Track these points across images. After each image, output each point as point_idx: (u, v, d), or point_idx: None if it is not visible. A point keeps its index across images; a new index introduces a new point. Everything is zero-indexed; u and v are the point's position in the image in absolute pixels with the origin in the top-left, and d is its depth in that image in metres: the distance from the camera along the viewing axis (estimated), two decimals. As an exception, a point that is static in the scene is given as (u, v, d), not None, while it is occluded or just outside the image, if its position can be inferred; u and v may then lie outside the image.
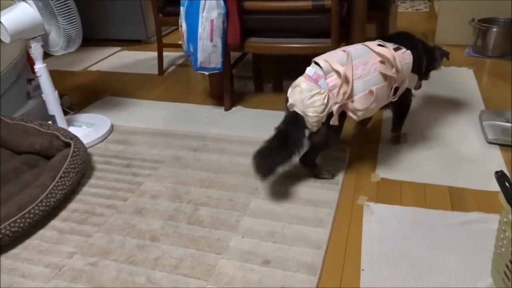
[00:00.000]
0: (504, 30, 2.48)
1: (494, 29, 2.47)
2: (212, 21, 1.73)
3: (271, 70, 2.62)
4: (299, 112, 1.34)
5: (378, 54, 1.37)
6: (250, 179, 1.49)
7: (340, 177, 1.48)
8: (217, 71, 1.86)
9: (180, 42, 1.95)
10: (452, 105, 1.95)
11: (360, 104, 1.33)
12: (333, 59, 1.35)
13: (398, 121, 1.66)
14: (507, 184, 0.83)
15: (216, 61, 1.82)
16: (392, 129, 1.68)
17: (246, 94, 2.23)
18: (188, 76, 2.54)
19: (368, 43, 1.43)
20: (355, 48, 1.41)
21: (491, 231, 1.17)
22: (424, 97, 2.03)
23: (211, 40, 1.76)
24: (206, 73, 1.86)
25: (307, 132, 1.39)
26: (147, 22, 3.15)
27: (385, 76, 1.37)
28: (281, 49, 1.87)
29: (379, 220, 1.28)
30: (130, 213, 1.36)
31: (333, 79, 1.33)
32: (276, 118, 1.92)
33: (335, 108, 1.32)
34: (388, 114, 1.74)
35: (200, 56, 1.79)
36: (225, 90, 2.01)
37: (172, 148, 1.73)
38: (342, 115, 1.38)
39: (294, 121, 1.35)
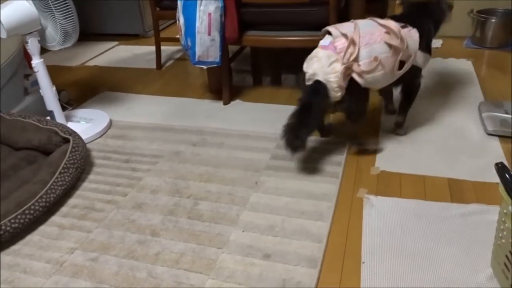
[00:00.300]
0: (502, 21, 2.47)
1: (493, 20, 2.46)
2: (209, 14, 1.72)
3: (269, 63, 2.61)
4: (321, 79, 1.38)
5: (383, 26, 1.44)
6: (249, 173, 1.49)
7: (339, 170, 1.48)
8: (215, 65, 1.86)
9: (177, 36, 1.93)
10: (451, 96, 1.95)
11: (365, 67, 1.39)
12: (342, 26, 1.44)
13: (405, 104, 1.65)
14: (507, 175, 0.83)
15: (214, 55, 1.81)
16: (398, 113, 1.68)
17: (245, 88, 2.23)
18: (186, 70, 2.53)
19: (374, 18, 1.50)
20: (362, 21, 1.48)
21: (490, 223, 1.19)
22: (424, 89, 2.01)
23: (209, 34, 1.75)
24: (204, 67, 1.85)
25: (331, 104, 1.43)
26: (144, 16, 3.13)
27: (390, 46, 1.42)
28: (279, 42, 1.86)
29: (379, 213, 1.28)
30: (130, 208, 1.36)
31: (341, 43, 1.39)
32: (275, 112, 1.92)
33: (342, 68, 1.36)
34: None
35: (198, 50, 1.78)
36: (223, 84, 2.00)
37: (170, 143, 1.72)
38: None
39: (317, 89, 1.39)
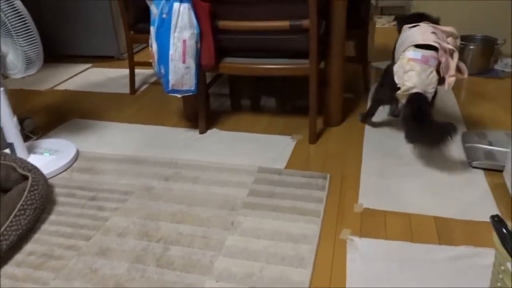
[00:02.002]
0: (480, 47, 2.47)
1: (471, 47, 2.46)
2: (184, 41, 1.64)
3: (248, 88, 2.54)
4: (420, 91, 1.51)
5: (445, 31, 1.63)
6: (225, 212, 1.39)
7: (320, 207, 1.40)
8: (191, 93, 1.76)
9: (151, 61, 1.84)
10: (433, 126, 1.90)
11: (458, 75, 1.60)
12: (439, 39, 1.57)
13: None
14: (504, 230, 0.75)
15: (189, 83, 1.72)
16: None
17: (223, 114, 2.14)
18: (161, 95, 2.43)
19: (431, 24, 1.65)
20: (436, 30, 1.62)
21: (480, 268, 1.13)
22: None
23: (184, 62, 1.66)
24: (179, 95, 1.76)
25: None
26: (119, 37, 3.03)
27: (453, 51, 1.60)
28: (258, 70, 1.79)
29: (364, 257, 1.19)
30: (93, 255, 1.24)
31: (441, 56, 1.54)
32: (253, 141, 1.84)
33: (451, 80, 1.56)
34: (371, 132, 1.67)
35: (172, 78, 1.69)
36: (199, 112, 1.91)
37: (142, 177, 1.61)
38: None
39: (421, 99, 1.52)
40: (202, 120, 1.92)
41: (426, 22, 1.67)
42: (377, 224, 1.33)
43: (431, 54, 1.54)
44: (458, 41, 1.66)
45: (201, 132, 1.94)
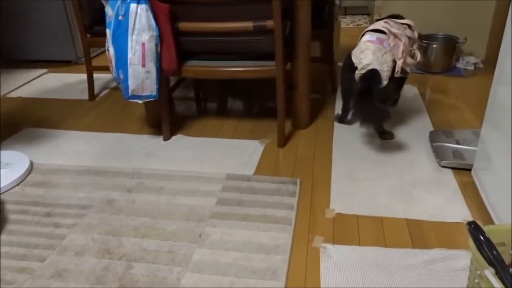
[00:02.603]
0: (443, 46, 2.50)
1: (434, 46, 2.48)
2: (143, 44, 1.55)
3: (215, 91, 2.47)
4: (377, 68, 1.60)
5: (403, 24, 1.79)
6: (192, 224, 1.32)
7: (292, 215, 1.35)
8: (153, 99, 1.68)
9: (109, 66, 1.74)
10: (401, 126, 1.89)
11: (408, 59, 1.71)
12: (389, 26, 1.72)
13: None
14: (481, 237, 0.72)
15: (150, 88, 1.63)
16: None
17: (188, 119, 2.06)
18: (122, 101, 2.31)
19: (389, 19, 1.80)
20: (388, 21, 1.77)
21: (455, 270, 1.12)
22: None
23: (143, 66, 1.58)
24: (140, 101, 1.66)
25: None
26: (76, 40, 2.88)
27: (410, 39, 1.76)
28: (223, 73, 1.73)
29: (338, 265, 1.15)
30: (48, 278, 1.14)
31: (392, 40, 1.68)
32: (220, 147, 1.79)
33: (400, 62, 1.66)
34: (342, 135, 1.64)
35: (132, 84, 1.59)
36: (163, 118, 1.83)
37: (102, 189, 1.51)
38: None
39: (374, 76, 1.61)
40: (166, 126, 1.84)
41: (392, 19, 1.80)
42: (350, 230, 1.29)
43: (384, 37, 1.68)
44: (416, 33, 1.81)
45: (165, 139, 1.85)
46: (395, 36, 1.69)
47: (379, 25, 1.74)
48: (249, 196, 1.44)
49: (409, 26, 1.80)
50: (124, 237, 1.28)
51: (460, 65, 2.53)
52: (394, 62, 1.66)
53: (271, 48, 1.64)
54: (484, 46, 2.62)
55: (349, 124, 1.91)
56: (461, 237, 1.24)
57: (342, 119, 1.93)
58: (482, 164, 1.40)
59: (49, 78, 2.73)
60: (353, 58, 1.69)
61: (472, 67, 2.52)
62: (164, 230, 1.30)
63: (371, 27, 1.76)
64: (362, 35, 1.76)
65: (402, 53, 1.67)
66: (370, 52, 1.63)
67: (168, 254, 1.20)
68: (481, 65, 2.56)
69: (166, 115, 1.82)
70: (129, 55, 1.55)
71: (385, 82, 1.62)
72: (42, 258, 1.21)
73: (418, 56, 1.78)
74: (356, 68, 1.66)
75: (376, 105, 1.57)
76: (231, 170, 1.60)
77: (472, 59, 2.55)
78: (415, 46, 1.80)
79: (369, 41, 1.67)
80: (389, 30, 1.69)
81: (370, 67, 1.61)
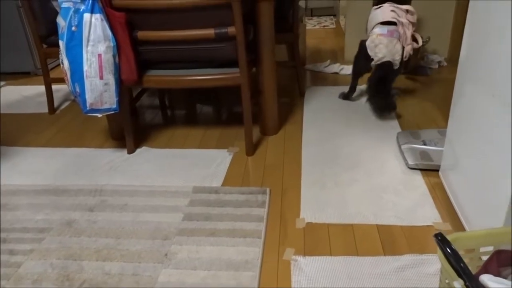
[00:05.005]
0: (408, 45, 2.51)
1: (399, 45, 2.50)
2: (100, 55, 1.48)
3: (180, 99, 2.41)
4: (390, 59, 1.88)
5: (403, 9, 1.95)
6: (158, 243, 1.26)
7: (261, 227, 1.31)
8: (113, 112, 1.61)
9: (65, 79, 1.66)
10: (368, 129, 1.89)
11: (414, 44, 1.96)
12: (397, 15, 1.92)
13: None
14: (448, 249, 0.70)
15: (110, 101, 1.57)
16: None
17: (153, 129, 2.00)
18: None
19: (392, 4, 1.99)
20: (395, 9, 1.95)
21: (426, 276, 1.12)
22: (340, 123, 1.95)
23: (101, 78, 1.51)
24: (99, 115, 1.59)
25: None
26: (34, 51, 2.77)
27: (413, 24, 1.97)
28: (186, 82, 1.67)
29: (309, 278, 1.12)
30: (1, 312, 1.06)
31: (400, 29, 1.90)
32: (187, 158, 1.74)
33: (408, 48, 1.91)
34: (311, 136, 1.61)
35: (90, 97, 1.52)
36: (126, 131, 1.76)
37: (62, 210, 1.44)
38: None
39: (389, 67, 1.89)
40: (129, 139, 1.77)
41: (390, 2, 2.01)
42: (320, 240, 1.26)
43: (394, 28, 1.90)
44: (415, 17, 1.98)
45: (129, 152, 1.79)
46: (403, 25, 1.89)
47: (388, 15, 1.93)
48: (217, 209, 1.39)
49: (407, 11, 1.97)
50: (85, 261, 1.21)
51: (424, 64, 2.56)
52: (403, 48, 1.89)
53: (234, 55, 1.60)
54: (447, 45, 2.66)
55: (352, 101, 2.16)
56: (431, 241, 1.23)
57: (347, 96, 2.17)
58: (449, 164, 1.40)
59: (7, 91, 2.61)
60: (368, 51, 1.92)
61: (437, 66, 2.55)
62: (128, 251, 1.24)
63: (378, 19, 1.95)
64: (373, 27, 1.98)
65: (409, 39, 1.91)
66: (384, 46, 1.88)
67: (133, 277, 1.14)
68: (445, 63, 2.60)
69: (129, 128, 1.75)
70: (85, 68, 1.48)
71: (397, 67, 1.91)
72: (-4, 290, 1.13)
73: (420, 40, 1.97)
74: (372, 59, 1.92)
75: (389, 89, 1.91)
76: (198, 183, 1.55)
77: (436, 58, 2.59)
78: (410, 28, 1.99)
79: (381, 34, 1.90)
80: (398, 20, 1.90)
81: (384, 60, 1.88)
